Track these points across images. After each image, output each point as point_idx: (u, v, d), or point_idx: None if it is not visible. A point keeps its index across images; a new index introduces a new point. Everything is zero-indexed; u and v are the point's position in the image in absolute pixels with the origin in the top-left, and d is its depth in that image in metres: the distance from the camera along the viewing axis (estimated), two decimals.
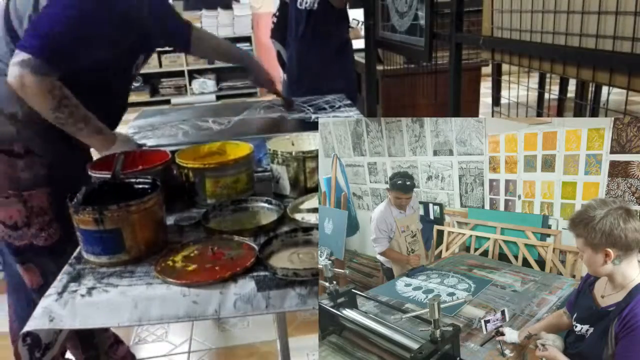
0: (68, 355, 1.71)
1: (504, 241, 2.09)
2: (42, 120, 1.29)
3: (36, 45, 1.19)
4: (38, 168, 1.38)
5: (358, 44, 3.86)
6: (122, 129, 1.77)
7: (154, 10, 1.47)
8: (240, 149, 1.38)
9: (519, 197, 2.15)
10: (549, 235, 2.02)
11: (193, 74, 7.07)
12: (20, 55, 1.19)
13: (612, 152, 1.79)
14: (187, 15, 6.97)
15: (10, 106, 1.32)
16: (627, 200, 1.75)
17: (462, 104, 1.85)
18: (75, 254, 1.08)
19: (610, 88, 1.79)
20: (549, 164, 2.00)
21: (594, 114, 3.00)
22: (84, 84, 1.30)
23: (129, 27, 1.37)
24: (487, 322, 1.22)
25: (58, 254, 1.39)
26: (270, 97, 2.05)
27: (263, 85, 1.92)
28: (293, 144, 1.43)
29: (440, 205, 2.53)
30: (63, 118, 1.27)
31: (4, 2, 1.32)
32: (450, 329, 1.06)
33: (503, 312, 1.24)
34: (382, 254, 2.09)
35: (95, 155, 1.42)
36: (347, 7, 2.83)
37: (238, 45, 6.89)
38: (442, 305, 1.05)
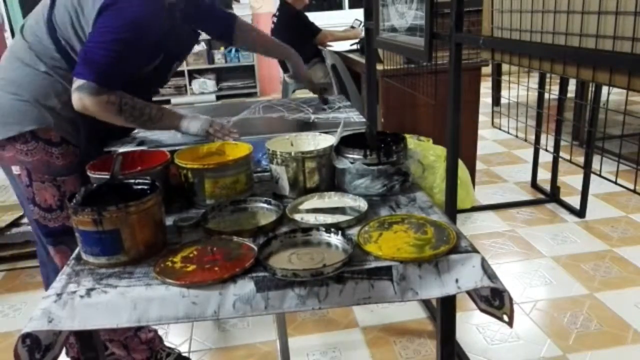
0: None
1: None
2: (76, 113, 1.41)
3: (88, 72, 1.35)
4: (71, 156, 1.51)
5: None
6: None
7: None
8: (239, 150, 1.38)
9: None
10: None
11: (193, 74, 7.06)
12: (77, 82, 1.36)
13: None
14: None
15: (49, 100, 1.45)
16: None
17: (462, 104, 1.85)
18: (74, 254, 1.08)
19: (610, 88, 1.78)
20: None
21: (594, 114, 2.99)
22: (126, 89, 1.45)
23: (166, 42, 1.52)
24: None
25: None
26: (270, 97, 2.05)
27: (301, 81, 1.98)
28: (292, 144, 1.43)
29: None
30: (130, 117, 1.43)
31: (47, 13, 1.44)
32: None
33: None
34: None
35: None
36: None
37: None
38: None
